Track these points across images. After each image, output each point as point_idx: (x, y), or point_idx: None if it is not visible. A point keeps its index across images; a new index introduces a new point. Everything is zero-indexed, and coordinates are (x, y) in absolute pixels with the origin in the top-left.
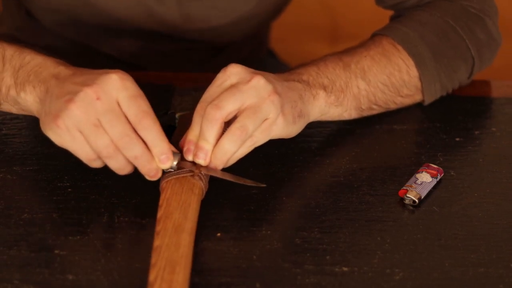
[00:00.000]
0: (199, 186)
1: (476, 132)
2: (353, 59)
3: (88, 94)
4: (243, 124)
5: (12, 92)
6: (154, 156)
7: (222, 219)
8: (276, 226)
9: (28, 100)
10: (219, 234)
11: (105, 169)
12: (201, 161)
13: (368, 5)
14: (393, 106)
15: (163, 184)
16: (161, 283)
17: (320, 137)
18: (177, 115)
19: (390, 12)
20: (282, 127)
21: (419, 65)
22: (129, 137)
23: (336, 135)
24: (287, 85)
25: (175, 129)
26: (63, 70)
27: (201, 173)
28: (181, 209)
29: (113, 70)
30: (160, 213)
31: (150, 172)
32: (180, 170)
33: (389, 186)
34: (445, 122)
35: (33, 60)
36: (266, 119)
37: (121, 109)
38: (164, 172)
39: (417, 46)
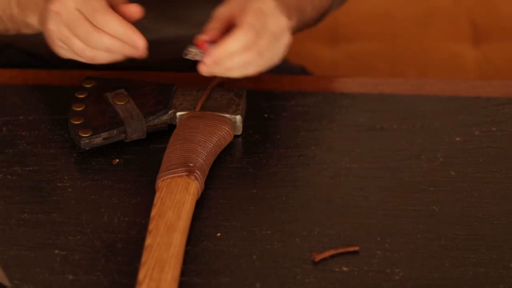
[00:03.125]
0: (195, 186)
1: (476, 132)
2: None
3: (51, 11)
4: (260, 50)
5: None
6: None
7: (222, 219)
8: (276, 226)
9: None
10: (219, 234)
11: (105, 169)
12: (210, 62)
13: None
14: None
15: (158, 183)
16: (149, 282)
17: (320, 137)
18: (177, 115)
19: (389, 12)
20: (281, 57)
21: None
22: (91, 34)
23: (336, 135)
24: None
25: (175, 128)
26: None
27: (197, 172)
28: (174, 208)
29: None
30: (153, 212)
31: (133, 50)
32: (176, 170)
33: (389, 186)
34: (445, 122)
35: None
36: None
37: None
38: (160, 172)
39: None
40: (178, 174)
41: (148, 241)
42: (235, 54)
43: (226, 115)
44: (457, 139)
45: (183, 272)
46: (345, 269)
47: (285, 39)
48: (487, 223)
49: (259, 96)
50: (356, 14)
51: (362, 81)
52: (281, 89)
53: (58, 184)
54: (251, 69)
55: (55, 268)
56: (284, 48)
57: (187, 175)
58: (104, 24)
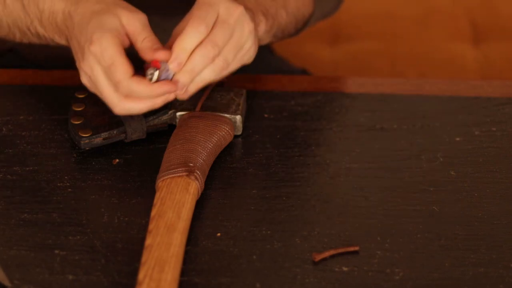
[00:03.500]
0: (195, 186)
1: (476, 132)
2: None
3: (83, 74)
4: (226, 57)
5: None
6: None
7: (222, 219)
8: (276, 226)
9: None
10: (219, 234)
11: (105, 169)
12: (174, 64)
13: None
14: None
15: (158, 183)
16: (149, 282)
17: (320, 137)
18: (177, 115)
19: (389, 12)
20: (252, 55)
21: (316, 3)
22: (121, 102)
23: (336, 135)
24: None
25: (175, 128)
26: (68, 22)
27: (197, 172)
28: (174, 208)
29: (94, 38)
30: (153, 212)
31: (170, 97)
32: (176, 170)
33: (389, 186)
34: (445, 122)
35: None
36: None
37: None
38: (160, 172)
39: None
40: (178, 174)
41: (148, 241)
42: (194, 52)
43: (226, 115)
44: (457, 139)
45: (183, 272)
46: (345, 269)
47: (247, 28)
48: (487, 223)
49: (259, 96)
50: (356, 14)
51: (362, 81)
52: (281, 89)
53: (58, 184)
54: (219, 66)
55: (55, 268)
56: (251, 41)
57: (187, 175)
58: (129, 92)
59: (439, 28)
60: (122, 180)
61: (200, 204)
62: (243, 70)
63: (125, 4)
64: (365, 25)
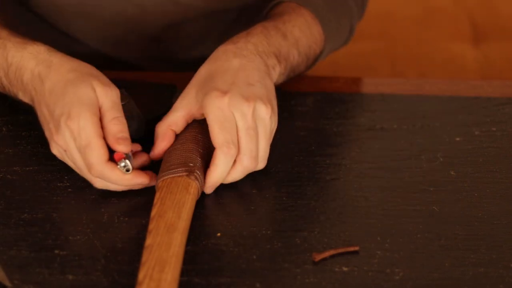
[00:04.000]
0: (195, 186)
1: (476, 132)
2: (287, 29)
3: (55, 146)
4: (263, 157)
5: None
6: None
7: (222, 219)
8: (276, 226)
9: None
10: (219, 234)
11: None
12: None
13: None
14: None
15: (159, 183)
16: (149, 282)
17: (320, 137)
18: None
19: (389, 12)
20: (276, 122)
21: (327, 40)
22: (92, 180)
23: (336, 135)
24: (263, 77)
25: None
26: (37, 84)
27: (197, 172)
28: (174, 208)
29: (73, 114)
30: (153, 212)
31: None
32: (176, 170)
33: (389, 186)
34: (445, 122)
35: (14, 60)
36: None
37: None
38: (160, 172)
39: (329, 20)
40: (178, 174)
41: (148, 241)
42: (228, 175)
43: None
44: (457, 139)
45: (183, 272)
46: (345, 269)
47: (267, 115)
48: (487, 223)
49: None
50: None
51: (362, 81)
52: (281, 89)
53: (58, 184)
54: (254, 164)
55: (55, 268)
56: (274, 121)
57: (187, 175)
58: (102, 177)
59: (439, 28)
60: None
61: (200, 204)
62: None
63: (99, 74)
64: (365, 25)
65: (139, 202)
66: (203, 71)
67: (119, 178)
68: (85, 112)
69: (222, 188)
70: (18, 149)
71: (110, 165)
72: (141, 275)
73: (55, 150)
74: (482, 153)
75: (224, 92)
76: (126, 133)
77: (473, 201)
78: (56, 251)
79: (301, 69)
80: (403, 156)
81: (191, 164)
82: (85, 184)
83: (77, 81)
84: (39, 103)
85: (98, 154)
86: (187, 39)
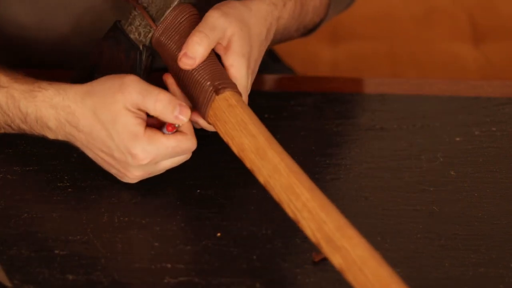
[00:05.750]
0: (230, 94)
1: (476, 132)
2: None
3: (133, 179)
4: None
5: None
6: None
7: (222, 219)
8: (276, 226)
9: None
10: (219, 234)
11: (105, 169)
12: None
13: (368, 5)
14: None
15: (208, 121)
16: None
17: (320, 137)
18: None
19: (389, 12)
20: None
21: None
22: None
23: (336, 135)
24: (258, 34)
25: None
26: (73, 131)
27: (218, 82)
28: (242, 132)
29: (132, 150)
30: (235, 151)
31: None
32: (206, 97)
33: (389, 186)
34: (445, 122)
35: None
36: None
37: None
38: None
39: None
40: (212, 100)
41: (261, 179)
42: None
43: None
44: (457, 139)
45: (183, 272)
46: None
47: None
48: (487, 223)
49: (259, 96)
50: (357, 14)
51: (362, 81)
52: (281, 89)
53: (58, 184)
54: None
55: (55, 268)
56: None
57: (217, 94)
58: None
59: (439, 28)
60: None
61: (200, 204)
62: None
63: (108, 84)
64: (365, 25)
65: (139, 202)
66: None
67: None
68: (140, 141)
69: (222, 188)
70: (18, 149)
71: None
72: (293, 214)
73: (134, 181)
74: (482, 153)
75: None
76: (175, 105)
77: (473, 201)
78: (56, 251)
79: (307, 21)
80: (403, 156)
81: (209, 82)
82: (85, 184)
83: (110, 115)
84: (88, 148)
85: (184, 143)
86: None
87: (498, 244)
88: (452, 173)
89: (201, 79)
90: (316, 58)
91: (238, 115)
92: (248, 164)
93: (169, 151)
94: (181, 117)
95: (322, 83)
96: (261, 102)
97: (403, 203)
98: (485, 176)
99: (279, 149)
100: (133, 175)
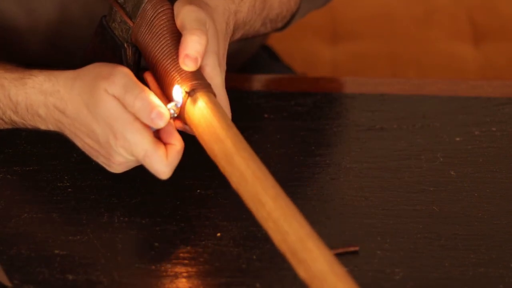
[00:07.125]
0: (201, 97)
1: (476, 132)
2: None
3: (117, 167)
4: None
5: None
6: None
7: (222, 219)
8: None
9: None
10: (219, 234)
11: (105, 169)
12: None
13: (368, 5)
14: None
15: (186, 123)
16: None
17: (320, 137)
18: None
19: (389, 12)
20: None
21: None
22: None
23: (336, 135)
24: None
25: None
26: (60, 116)
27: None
28: (212, 137)
29: (115, 130)
30: (210, 155)
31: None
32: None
33: (389, 186)
34: (445, 122)
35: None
36: None
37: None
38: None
39: None
40: (185, 101)
41: (233, 186)
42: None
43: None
44: (457, 139)
45: (183, 272)
46: (345, 269)
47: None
48: (487, 223)
49: (259, 96)
50: (356, 14)
51: (362, 81)
52: (281, 89)
53: (58, 184)
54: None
55: (55, 268)
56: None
57: (190, 96)
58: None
59: (439, 28)
60: (122, 180)
61: (200, 204)
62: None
63: (98, 68)
64: (365, 25)
65: (139, 202)
66: None
67: (176, 158)
68: (123, 123)
69: (222, 188)
70: (18, 149)
71: (173, 161)
72: (262, 223)
73: (119, 169)
74: (482, 153)
75: None
76: (154, 107)
77: (473, 201)
78: (56, 251)
79: (273, 16)
80: (403, 156)
81: (183, 83)
82: (85, 184)
83: (93, 99)
84: (75, 135)
85: (157, 160)
86: None
87: (498, 244)
88: (452, 173)
89: (174, 80)
90: (316, 58)
91: (208, 118)
92: (221, 170)
93: (148, 157)
94: (157, 121)
95: (322, 83)
96: (261, 102)
97: (403, 203)
98: (485, 176)
99: (247, 154)
100: (117, 161)
